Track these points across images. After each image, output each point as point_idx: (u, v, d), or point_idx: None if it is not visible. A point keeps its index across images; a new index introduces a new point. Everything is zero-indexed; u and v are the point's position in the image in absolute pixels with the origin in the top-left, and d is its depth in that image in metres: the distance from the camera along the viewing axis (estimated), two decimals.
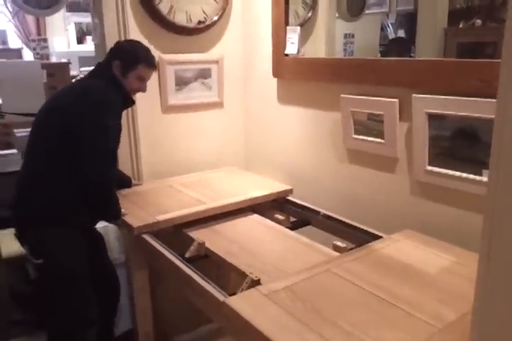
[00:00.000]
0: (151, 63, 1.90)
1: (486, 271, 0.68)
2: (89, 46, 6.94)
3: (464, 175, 1.54)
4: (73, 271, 1.76)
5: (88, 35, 7.19)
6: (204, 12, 2.30)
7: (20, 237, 1.81)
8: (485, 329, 0.71)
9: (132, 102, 1.94)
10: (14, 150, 3.28)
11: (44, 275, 1.80)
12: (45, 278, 1.80)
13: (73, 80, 2.02)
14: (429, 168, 1.64)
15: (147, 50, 1.92)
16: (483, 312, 0.69)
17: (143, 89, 1.93)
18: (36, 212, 1.75)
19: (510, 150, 0.62)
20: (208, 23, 2.32)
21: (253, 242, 1.77)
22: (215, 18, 2.33)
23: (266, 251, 1.70)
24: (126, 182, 2.18)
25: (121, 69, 1.83)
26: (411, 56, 1.93)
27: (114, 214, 1.84)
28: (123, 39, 2.10)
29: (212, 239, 1.80)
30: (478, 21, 1.84)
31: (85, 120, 1.69)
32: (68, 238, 1.77)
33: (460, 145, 1.56)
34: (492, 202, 0.65)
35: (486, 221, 0.66)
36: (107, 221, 1.98)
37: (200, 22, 2.30)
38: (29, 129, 4.99)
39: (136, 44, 1.93)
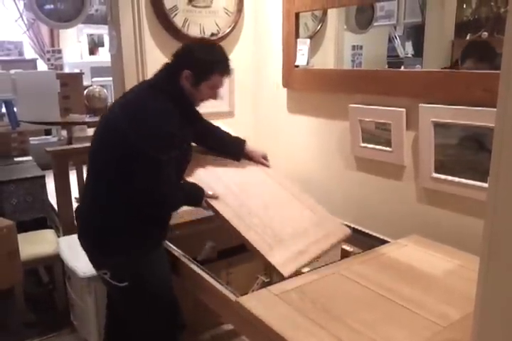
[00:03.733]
0: (226, 72, 1.64)
1: (486, 271, 0.72)
2: (100, 57, 7.08)
3: (470, 181, 1.58)
4: (158, 294, 1.64)
5: (100, 46, 7.34)
6: (217, 24, 2.38)
7: (95, 263, 1.66)
8: (486, 327, 0.74)
9: (197, 120, 1.76)
10: (29, 158, 3.37)
11: (129, 297, 1.63)
12: (130, 300, 1.65)
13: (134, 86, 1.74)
14: (435, 175, 1.69)
15: (222, 54, 1.63)
16: (484, 311, 0.73)
17: (214, 97, 1.68)
18: (115, 239, 1.58)
19: (510, 157, 0.66)
20: (220, 35, 2.39)
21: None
22: (228, 30, 2.41)
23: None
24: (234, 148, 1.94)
25: (192, 80, 1.58)
26: (493, 63, 1.70)
27: (189, 202, 1.67)
28: (139, 48, 2.18)
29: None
30: (485, 33, 1.88)
31: (138, 153, 1.49)
32: (156, 259, 1.63)
33: (465, 153, 1.61)
34: (492, 207, 0.69)
35: (486, 225, 0.70)
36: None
37: (213, 34, 2.38)
38: (42, 137, 5.02)
39: (211, 50, 1.63)
